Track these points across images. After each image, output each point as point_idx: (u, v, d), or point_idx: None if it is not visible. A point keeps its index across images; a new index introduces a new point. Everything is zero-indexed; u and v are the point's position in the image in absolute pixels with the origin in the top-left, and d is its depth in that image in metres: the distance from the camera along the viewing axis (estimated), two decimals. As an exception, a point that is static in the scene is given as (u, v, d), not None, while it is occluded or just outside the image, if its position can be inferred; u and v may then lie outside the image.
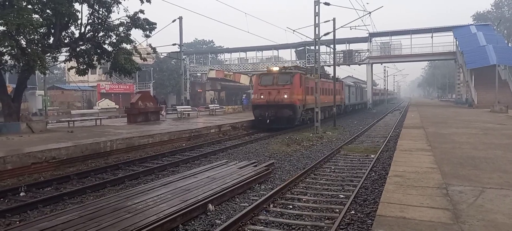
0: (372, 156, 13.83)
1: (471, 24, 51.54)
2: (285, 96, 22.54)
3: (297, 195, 8.80)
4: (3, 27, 14.45)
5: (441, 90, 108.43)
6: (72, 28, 18.81)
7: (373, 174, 10.89)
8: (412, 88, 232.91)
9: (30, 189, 9.05)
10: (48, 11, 16.34)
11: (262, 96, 23.32)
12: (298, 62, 53.93)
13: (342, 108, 35.72)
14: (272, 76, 23.69)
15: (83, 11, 18.77)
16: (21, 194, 8.65)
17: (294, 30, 26.37)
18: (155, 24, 20.19)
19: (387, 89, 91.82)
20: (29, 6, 15.97)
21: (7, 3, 15.24)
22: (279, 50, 59.28)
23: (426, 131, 15.18)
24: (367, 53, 51.59)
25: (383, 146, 16.22)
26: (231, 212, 7.55)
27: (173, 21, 27.57)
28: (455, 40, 46.76)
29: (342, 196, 8.66)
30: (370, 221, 6.67)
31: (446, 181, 6.38)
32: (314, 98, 22.77)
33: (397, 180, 6.54)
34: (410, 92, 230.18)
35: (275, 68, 25.05)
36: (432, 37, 48.34)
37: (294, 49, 57.44)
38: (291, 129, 23.09)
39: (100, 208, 7.03)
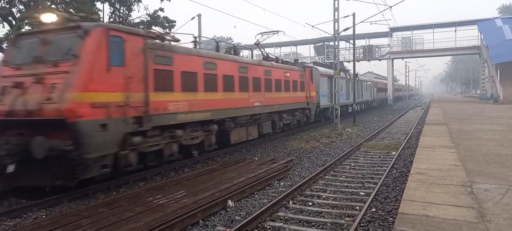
0: (393, 153, 13.61)
1: (496, 17, 49.90)
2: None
3: (317, 192, 8.76)
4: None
5: (464, 86, 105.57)
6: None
7: (394, 171, 10.72)
8: (434, 83, 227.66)
9: None
10: (71, 10, 16.72)
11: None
12: (317, 58, 53.52)
13: (310, 113, 21.28)
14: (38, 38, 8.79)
15: (105, 10, 19.14)
16: None
17: (313, 26, 26.16)
18: (175, 21, 20.41)
19: (408, 85, 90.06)
20: (53, 6, 16.40)
21: (32, 3, 15.71)
22: (297, 46, 58.95)
23: (449, 127, 14.84)
24: (388, 48, 50.68)
25: (405, 142, 15.94)
26: (251, 208, 7.58)
27: (192, 18, 27.72)
28: (479, 34, 45.35)
29: (362, 193, 8.57)
30: (391, 219, 6.58)
31: (471, 178, 6.23)
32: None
33: (420, 177, 6.43)
34: (432, 88, 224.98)
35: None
36: (455, 31, 47.08)
37: (313, 45, 57.00)
38: (309, 126, 22.52)
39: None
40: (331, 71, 25.76)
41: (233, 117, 13.56)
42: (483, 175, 6.52)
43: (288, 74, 18.22)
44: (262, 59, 17.73)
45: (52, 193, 7.82)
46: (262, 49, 18.36)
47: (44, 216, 6.99)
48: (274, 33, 18.17)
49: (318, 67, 25.14)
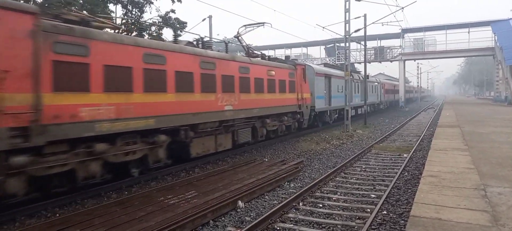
0: (405, 155, 13.47)
1: (510, 18, 49.04)
2: None
3: (327, 193, 8.72)
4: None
5: (478, 88, 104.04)
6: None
7: (406, 173, 10.61)
8: (447, 85, 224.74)
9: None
10: (84, 12, 17.01)
11: None
12: (327, 59, 53.29)
13: (302, 117, 18.76)
14: None
15: (117, 12, 19.41)
16: None
17: (323, 27, 26.09)
18: (186, 23, 20.59)
19: (421, 86, 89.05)
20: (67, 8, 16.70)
21: (46, 4, 15.99)
22: (308, 47, 58.77)
23: (462, 129, 14.64)
24: (400, 49, 50.19)
25: (416, 145, 15.77)
26: (261, 209, 7.59)
27: (203, 20, 27.90)
28: (493, 35, 44.61)
29: (373, 195, 8.51)
30: (403, 221, 6.52)
31: (484, 182, 6.14)
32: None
33: (432, 180, 6.36)
34: (445, 90, 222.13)
35: None
36: (468, 32, 46.36)
37: (324, 46, 56.74)
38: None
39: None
40: (328, 70, 24.14)
41: (193, 124, 11.01)
42: (497, 178, 6.42)
43: (273, 72, 15.45)
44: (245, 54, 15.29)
45: (65, 192, 7.94)
46: (244, 43, 15.84)
47: (57, 215, 7.10)
48: (258, 26, 16.01)
49: (313, 66, 22.65)
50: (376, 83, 38.86)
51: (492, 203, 4.95)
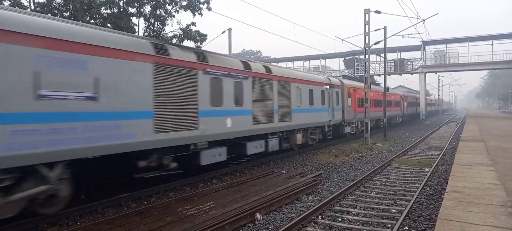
0: (427, 169, 13.15)
1: (536, 30, 47.73)
2: None
3: (346, 207, 8.58)
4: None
5: (502, 101, 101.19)
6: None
7: (428, 188, 10.34)
8: (469, 98, 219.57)
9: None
10: (108, 25, 17.46)
11: None
12: (346, 71, 52.96)
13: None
14: None
15: (140, 25, 19.82)
16: None
17: (342, 39, 25.94)
18: (206, 35, 20.81)
19: (442, 99, 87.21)
20: (92, 21, 17.17)
21: (72, 18, 16.51)
22: (326, 59, 58.62)
23: (487, 144, 14.22)
24: (420, 62, 49.44)
25: (438, 159, 15.38)
26: (279, 222, 7.52)
27: (223, 32, 28.21)
28: (518, 47, 43.51)
29: (394, 210, 8.31)
30: (425, 238, 6.34)
31: (511, 198, 5.92)
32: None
33: (456, 195, 6.17)
34: (468, 103, 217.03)
35: None
36: (492, 44, 45.33)
37: (342, 59, 56.48)
38: (338, 140, 22.43)
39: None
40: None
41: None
42: (525, 195, 6.19)
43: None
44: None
45: (87, 201, 8.07)
46: None
47: (78, 223, 7.22)
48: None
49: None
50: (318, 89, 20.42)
51: (520, 221, 4.77)
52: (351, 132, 23.41)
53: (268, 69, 14.32)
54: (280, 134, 15.09)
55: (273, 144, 14.46)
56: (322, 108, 18.52)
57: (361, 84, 23.69)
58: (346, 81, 23.56)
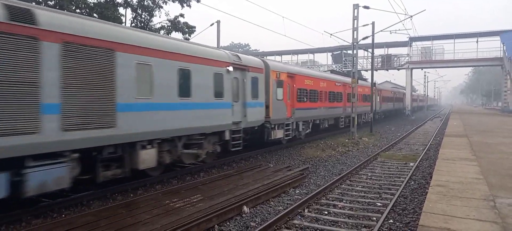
0: (411, 164, 13.37)
1: (520, 29, 48.72)
2: None
3: (333, 201, 8.67)
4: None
5: (485, 98, 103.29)
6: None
7: (413, 182, 10.52)
8: (454, 95, 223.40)
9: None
10: (95, 15, 17.16)
11: None
12: (334, 66, 53.25)
13: None
14: None
15: (127, 15, 19.53)
16: None
17: (331, 34, 26.06)
18: (195, 27, 20.66)
19: (427, 95, 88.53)
20: (78, 10, 16.85)
21: (57, 7, 16.16)
22: (315, 54, 58.81)
23: (470, 139, 14.51)
24: (407, 58, 50.02)
25: (423, 154, 15.65)
26: (266, 215, 7.56)
27: (211, 24, 28.00)
28: (502, 45, 44.34)
29: (379, 204, 8.44)
30: (409, 231, 6.46)
31: (493, 192, 6.07)
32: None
33: (440, 189, 6.29)
34: (452, 99, 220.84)
35: None
36: (477, 42, 46.14)
37: (330, 53, 56.73)
38: (326, 134, 22.34)
39: (139, 205, 7.24)
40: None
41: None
42: (506, 189, 6.34)
43: None
44: None
45: (72, 192, 7.97)
46: None
47: (63, 215, 7.12)
48: None
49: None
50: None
51: (502, 214, 4.88)
52: (286, 137, 16.56)
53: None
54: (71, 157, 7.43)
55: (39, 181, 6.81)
56: (219, 102, 11.67)
57: (307, 71, 19.73)
58: (274, 64, 16.39)
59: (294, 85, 17.13)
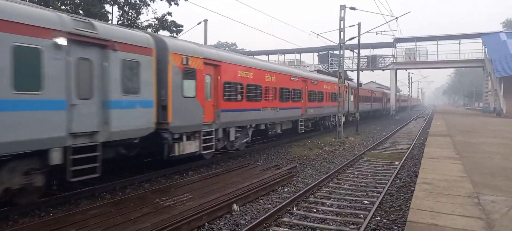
0: (396, 162, 13.61)
1: (501, 32, 49.99)
2: None
3: (321, 199, 8.78)
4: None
5: (467, 98, 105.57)
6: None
7: (398, 181, 10.72)
8: (436, 95, 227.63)
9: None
10: (80, 11, 16.92)
11: None
12: (320, 66, 53.66)
13: None
14: None
15: (114, 13, 19.29)
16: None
17: (318, 34, 26.29)
18: (182, 26, 20.57)
19: (411, 96, 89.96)
20: (63, 7, 16.57)
21: (42, 3, 15.86)
22: (301, 53, 59.15)
23: (453, 139, 14.86)
24: (392, 58, 50.79)
25: (408, 153, 15.94)
26: (255, 213, 7.61)
27: (198, 23, 27.90)
28: (483, 47, 45.46)
29: (366, 201, 8.59)
30: (396, 228, 6.60)
31: (477, 190, 6.26)
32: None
33: (426, 187, 6.46)
34: (435, 100, 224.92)
35: None
36: (459, 43, 47.19)
37: (317, 54, 57.16)
38: (313, 133, 22.41)
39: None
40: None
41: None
42: (490, 187, 6.55)
43: None
44: None
45: (60, 191, 7.87)
46: None
47: (51, 214, 7.03)
48: None
49: None
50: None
51: (486, 210, 5.05)
52: (206, 150, 11.71)
53: None
54: None
55: None
56: (26, 101, 6.88)
57: (243, 59, 14.60)
58: (178, 44, 11.03)
59: (219, 78, 12.45)
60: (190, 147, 11.01)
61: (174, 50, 10.43)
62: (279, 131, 17.65)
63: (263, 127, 15.85)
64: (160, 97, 9.97)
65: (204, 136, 11.60)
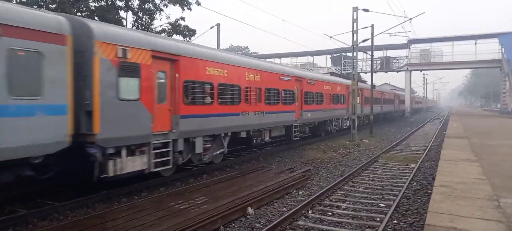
0: (413, 165, 13.42)
1: (518, 31, 48.95)
2: None
3: (336, 202, 8.71)
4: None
5: (484, 100, 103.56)
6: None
7: (415, 183, 10.56)
8: (452, 96, 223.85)
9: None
10: (96, 17, 17.24)
11: None
12: (333, 68, 53.37)
13: None
14: None
15: (128, 19, 19.63)
16: None
17: (330, 37, 26.17)
18: (195, 30, 20.74)
19: (426, 97, 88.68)
20: (79, 13, 16.91)
21: (59, 10, 16.23)
22: (314, 56, 58.95)
23: (471, 141, 14.59)
24: (406, 60, 50.19)
25: (424, 155, 15.70)
26: (270, 216, 7.59)
27: (211, 27, 28.10)
28: (501, 47, 44.53)
29: (382, 205, 8.48)
30: (414, 231, 6.50)
31: (497, 193, 6.13)
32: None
33: (444, 190, 6.35)
34: (450, 101, 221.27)
35: None
36: (475, 44, 46.31)
37: (330, 56, 56.88)
38: (326, 136, 22.24)
39: (145, 207, 7.26)
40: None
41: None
42: (510, 190, 6.40)
43: None
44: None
45: (76, 195, 7.99)
46: None
47: (69, 218, 7.15)
48: None
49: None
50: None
51: (506, 213, 4.94)
52: (163, 166, 9.43)
53: None
54: None
55: None
56: None
57: (211, 53, 11.79)
58: (109, 31, 8.55)
59: (177, 75, 10.02)
60: (134, 164, 8.50)
61: (103, 38, 7.93)
62: (267, 138, 15.11)
63: (244, 134, 13.27)
64: (83, 101, 7.61)
65: (156, 149, 9.16)
